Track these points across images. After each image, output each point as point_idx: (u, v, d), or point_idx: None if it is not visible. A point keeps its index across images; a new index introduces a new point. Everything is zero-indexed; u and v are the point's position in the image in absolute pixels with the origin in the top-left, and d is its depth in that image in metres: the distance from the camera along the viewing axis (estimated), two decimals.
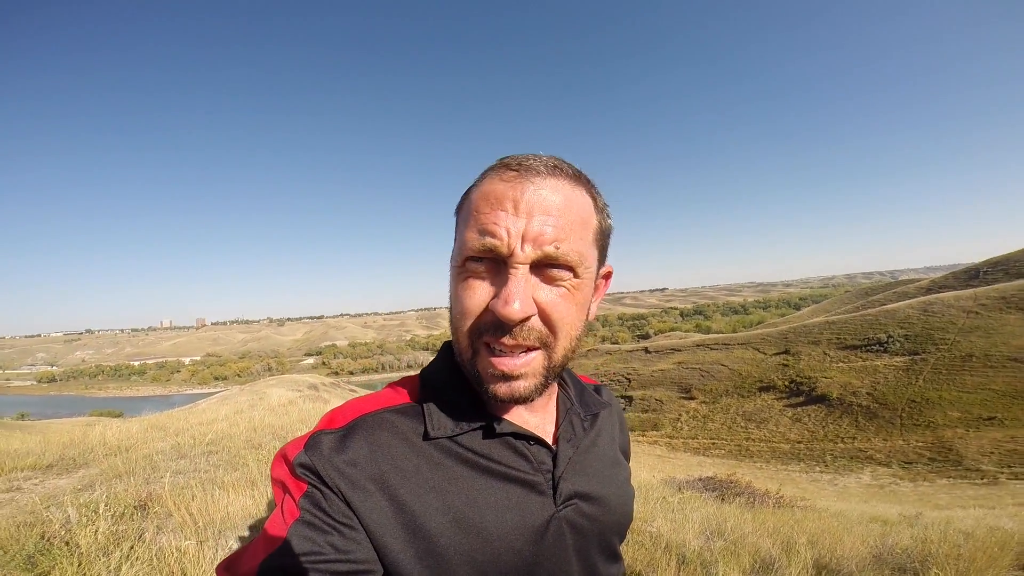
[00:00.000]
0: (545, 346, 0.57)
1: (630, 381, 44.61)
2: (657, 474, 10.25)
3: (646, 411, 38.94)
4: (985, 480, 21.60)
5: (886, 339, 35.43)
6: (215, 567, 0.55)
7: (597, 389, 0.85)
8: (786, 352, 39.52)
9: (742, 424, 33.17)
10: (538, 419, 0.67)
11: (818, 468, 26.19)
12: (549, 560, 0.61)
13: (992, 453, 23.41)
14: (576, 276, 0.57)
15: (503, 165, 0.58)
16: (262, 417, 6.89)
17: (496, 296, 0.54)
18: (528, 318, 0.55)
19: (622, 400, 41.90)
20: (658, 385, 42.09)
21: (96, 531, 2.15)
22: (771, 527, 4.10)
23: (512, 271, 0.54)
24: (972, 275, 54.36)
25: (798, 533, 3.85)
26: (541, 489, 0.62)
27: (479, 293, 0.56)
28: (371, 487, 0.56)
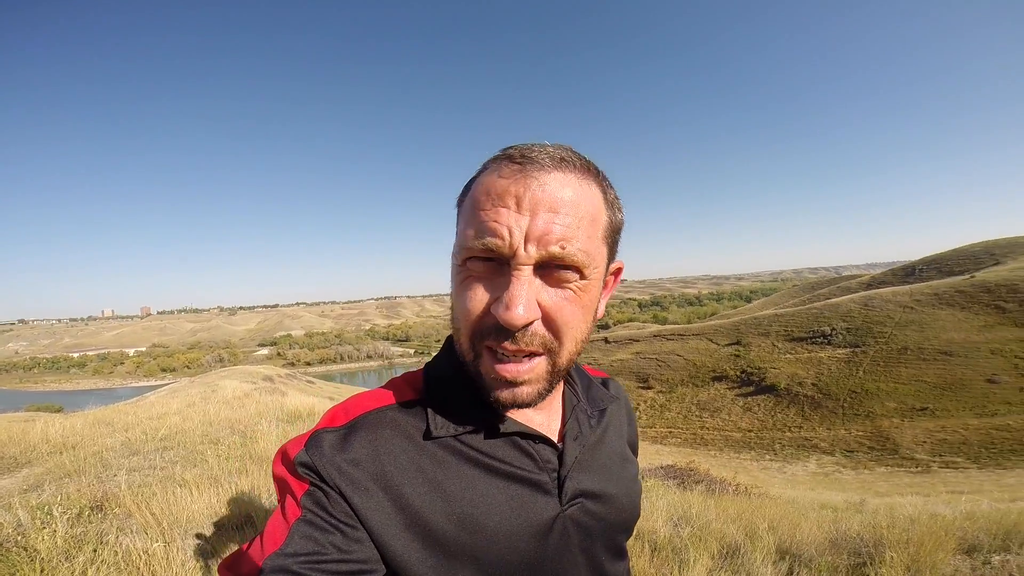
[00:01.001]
0: (549, 351, 0.55)
1: None
2: None
3: None
4: (919, 468, 23.07)
5: (830, 332, 37.11)
6: (218, 566, 0.54)
7: (604, 382, 0.83)
8: (738, 343, 40.77)
9: (697, 413, 34.14)
10: (543, 417, 0.66)
11: (768, 456, 27.23)
12: (554, 559, 0.60)
13: (925, 442, 25.00)
14: (583, 277, 0.54)
15: (506, 156, 0.54)
16: (217, 410, 6.66)
17: (497, 299, 0.52)
18: (531, 323, 0.52)
19: None
20: (617, 375, 42.59)
21: (54, 534, 2.03)
22: (733, 514, 4.26)
23: (515, 273, 0.51)
24: (909, 272, 57.72)
25: (759, 519, 4.00)
26: (546, 488, 0.61)
27: (480, 295, 0.54)
28: (373, 486, 0.55)
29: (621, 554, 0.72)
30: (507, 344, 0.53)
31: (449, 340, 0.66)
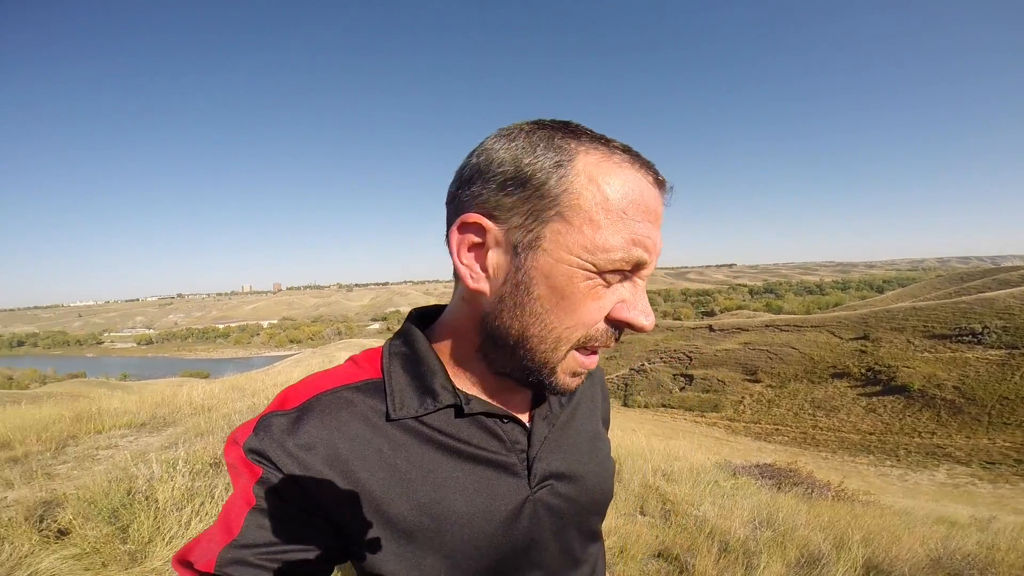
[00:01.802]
0: None
1: (691, 359, 43.47)
2: (713, 456, 10.04)
3: (706, 391, 37.90)
4: None
5: (981, 330, 32.35)
6: (171, 559, 0.53)
7: None
8: (865, 338, 37.07)
9: (810, 411, 31.65)
10: (516, 396, 0.63)
11: (889, 462, 24.81)
12: (524, 543, 0.59)
13: None
14: None
15: (641, 162, 0.52)
16: None
17: (627, 305, 0.52)
18: None
19: (681, 379, 41.22)
20: (721, 365, 40.74)
21: (173, 487, 2.41)
22: (825, 521, 3.98)
23: (642, 283, 0.53)
24: None
25: (854, 529, 3.71)
26: (515, 470, 0.59)
27: (607, 301, 0.52)
28: (328, 472, 0.52)
29: (594, 537, 0.70)
30: (612, 343, 0.54)
31: (413, 316, 0.64)
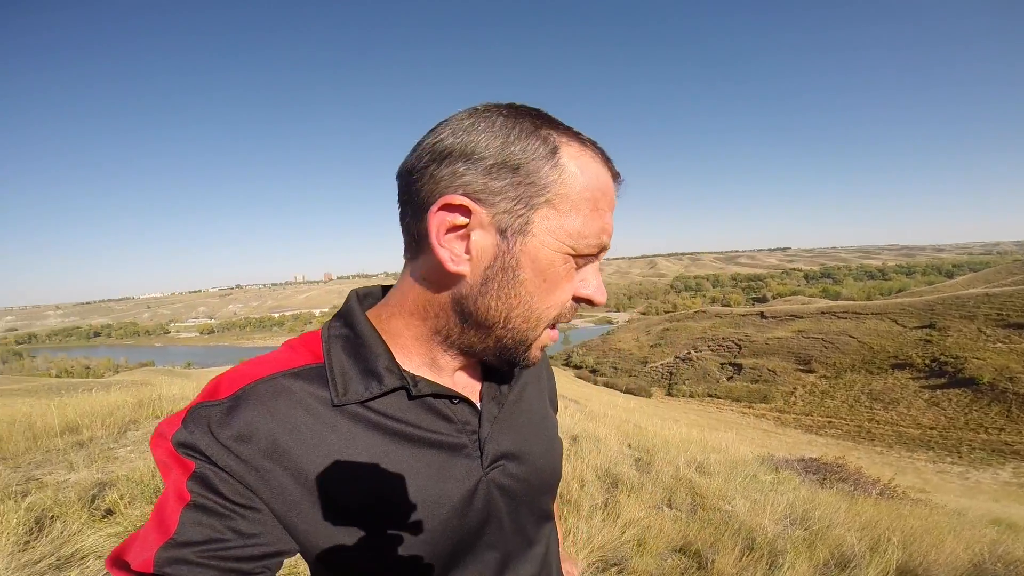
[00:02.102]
0: None
1: (740, 348, 42.33)
2: (757, 449, 9.76)
3: (756, 381, 36.86)
4: None
5: None
6: (104, 560, 0.54)
7: None
8: (930, 326, 35.26)
9: (866, 403, 30.39)
10: (465, 377, 0.63)
11: (949, 459, 23.57)
12: (479, 525, 0.58)
13: None
14: None
15: (605, 157, 0.56)
16: None
17: (586, 283, 0.57)
18: None
19: (730, 368, 40.16)
20: (772, 354, 39.52)
21: None
22: (865, 520, 3.83)
23: (597, 263, 0.58)
24: None
25: (893, 530, 3.56)
26: (467, 452, 0.58)
27: (575, 281, 0.56)
28: (268, 464, 0.50)
29: (547, 516, 0.70)
30: (571, 318, 0.58)
31: (354, 296, 0.62)
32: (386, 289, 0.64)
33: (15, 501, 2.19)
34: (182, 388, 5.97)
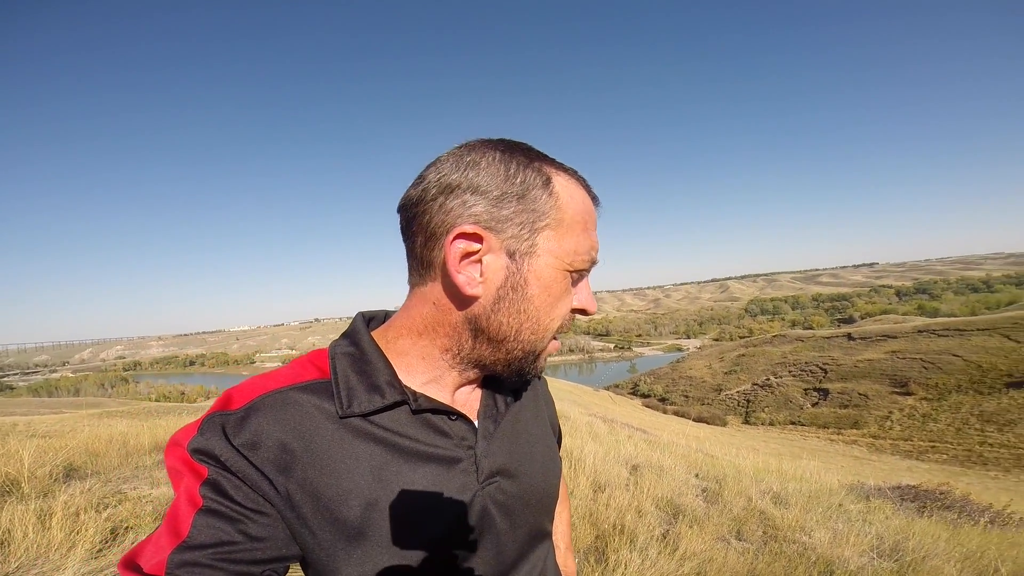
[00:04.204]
0: None
1: (826, 372, 39.56)
2: (847, 477, 8.99)
3: (844, 407, 34.19)
4: None
5: None
6: (117, 563, 0.54)
7: None
8: None
9: (977, 426, 27.34)
10: (464, 395, 0.66)
11: None
12: (474, 539, 0.60)
13: None
14: None
15: (586, 183, 0.64)
16: None
17: (580, 297, 0.64)
18: None
19: (815, 393, 37.53)
20: (863, 377, 36.63)
21: None
22: (969, 550, 3.41)
23: (588, 279, 0.65)
24: None
25: (1002, 560, 3.15)
26: (463, 467, 0.60)
27: (571, 297, 0.62)
28: (277, 471, 0.52)
29: (543, 535, 0.72)
30: (569, 329, 0.65)
31: (359, 319, 0.67)
32: (390, 313, 0.69)
33: (97, 512, 2.40)
34: None
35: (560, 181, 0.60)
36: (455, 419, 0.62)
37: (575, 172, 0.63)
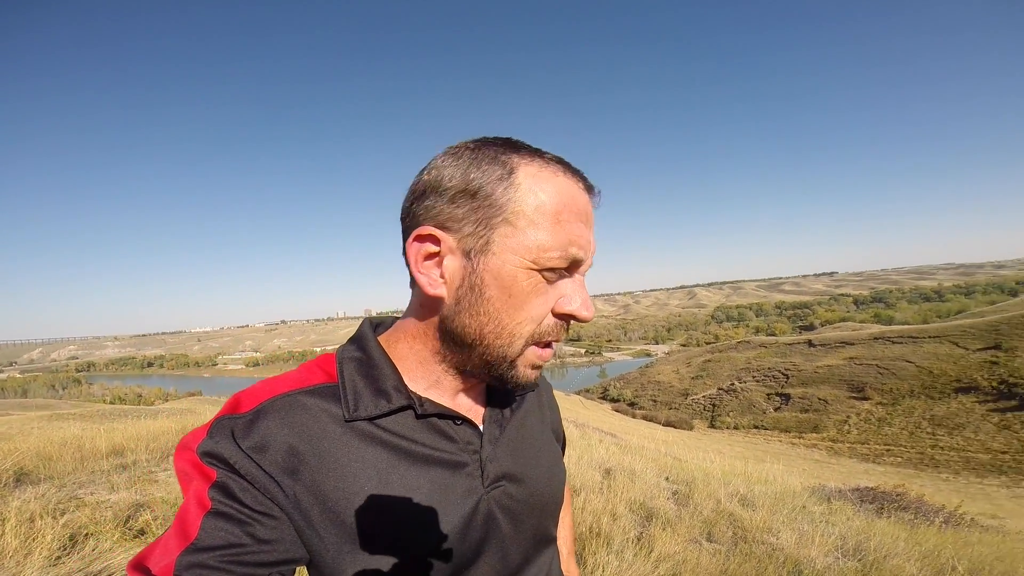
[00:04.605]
0: None
1: (788, 378, 40.71)
2: (809, 480, 9.26)
3: (805, 411, 35.27)
4: None
5: None
6: (126, 565, 0.55)
7: None
8: (996, 347, 33.23)
9: (928, 429, 28.65)
10: (468, 400, 0.66)
11: None
12: (479, 544, 0.60)
13: None
14: None
15: (572, 171, 0.58)
16: None
17: (568, 299, 0.57)
18: None
19: (778, 398, 38.58)
20: (823, 383, 37.84)
21: None
22: (927, 549, 3.55)
23: (581, 278, 0.59)
24: None
25: (959, 558, 3.29)
26: (468, 471, 0.60)
27: (550, 297, 0.57)
28: (285, 474, 0.53)
29: (548, 540, 0.71)
30: (562, 336, 0.59)
31: (367, 323, 0.67)
32: (395, 319, 0.68)
33: (53, 518, 2.28)
34: None
35: (529, 171, 0.55)
36: (460, 424, 0.62)
37: (557, 160, 0.58)
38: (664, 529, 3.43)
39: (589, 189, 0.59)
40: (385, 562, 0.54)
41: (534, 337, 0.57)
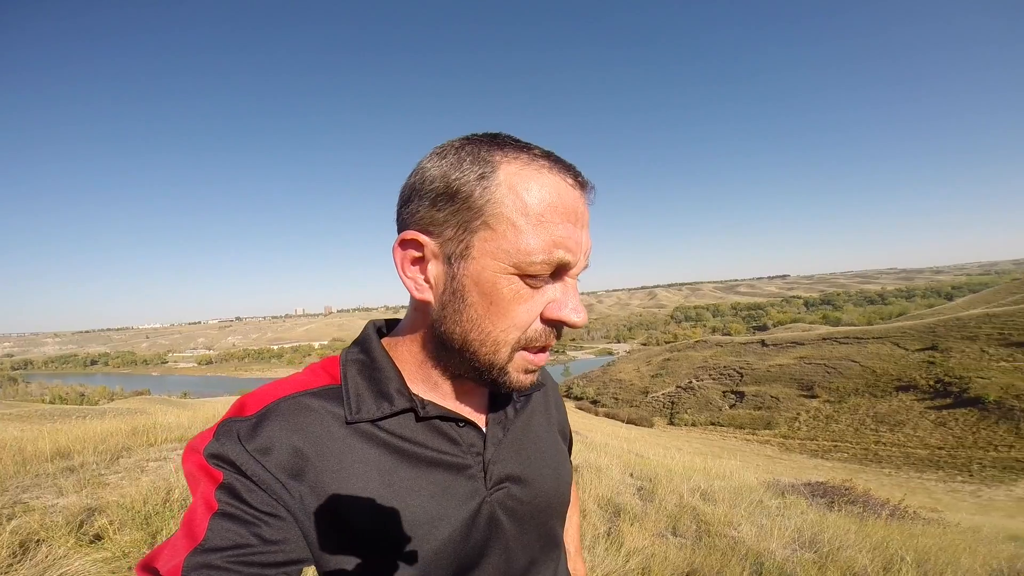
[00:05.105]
0: None
1: (742, 376, 42.14)
2: (763, 475, 9.62)
3: (758, 408, 36.62)
4: None
5: None
6: (134, 567, 0.54)
7: None
8: (933, 348, 35.30)
9: (872, 426, 30.23)
10: (472, 402, 0.65)
11: (960, 478, 23.44)
12: (483, 546, 0.60)
13: None
14: None
15: (560, 166, 0.55)
16: None
17: (558, 304, 0.55)
18: None
19: (732, 396, 39.86)
20: (775, 381, 39.34)
21: None
22: (876, 540, 3.74)
23: (573, 282, 0.56)
24: None
25: (906, 549, 3.48)
26: (471, 473, 0.60)
27: (538, 302, 0.54)
28: (290, 475, 0.53)
29: (554, 542, 0.70)
30: (552, 341, 0.57)
31: (370, 326, 0.67)
32: (398, 321, 0.68)
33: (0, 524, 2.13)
34: (178, 417, 5.87)
35: (510, 169, 0.53)
36: (463, 426, 0.61)
37: (544, 155, 0.55)
38: (632, 524, 3.49)
39: (581, 185, 0.56)
40: (387, 564, 0.54)
41: (521, 344, 0.55)
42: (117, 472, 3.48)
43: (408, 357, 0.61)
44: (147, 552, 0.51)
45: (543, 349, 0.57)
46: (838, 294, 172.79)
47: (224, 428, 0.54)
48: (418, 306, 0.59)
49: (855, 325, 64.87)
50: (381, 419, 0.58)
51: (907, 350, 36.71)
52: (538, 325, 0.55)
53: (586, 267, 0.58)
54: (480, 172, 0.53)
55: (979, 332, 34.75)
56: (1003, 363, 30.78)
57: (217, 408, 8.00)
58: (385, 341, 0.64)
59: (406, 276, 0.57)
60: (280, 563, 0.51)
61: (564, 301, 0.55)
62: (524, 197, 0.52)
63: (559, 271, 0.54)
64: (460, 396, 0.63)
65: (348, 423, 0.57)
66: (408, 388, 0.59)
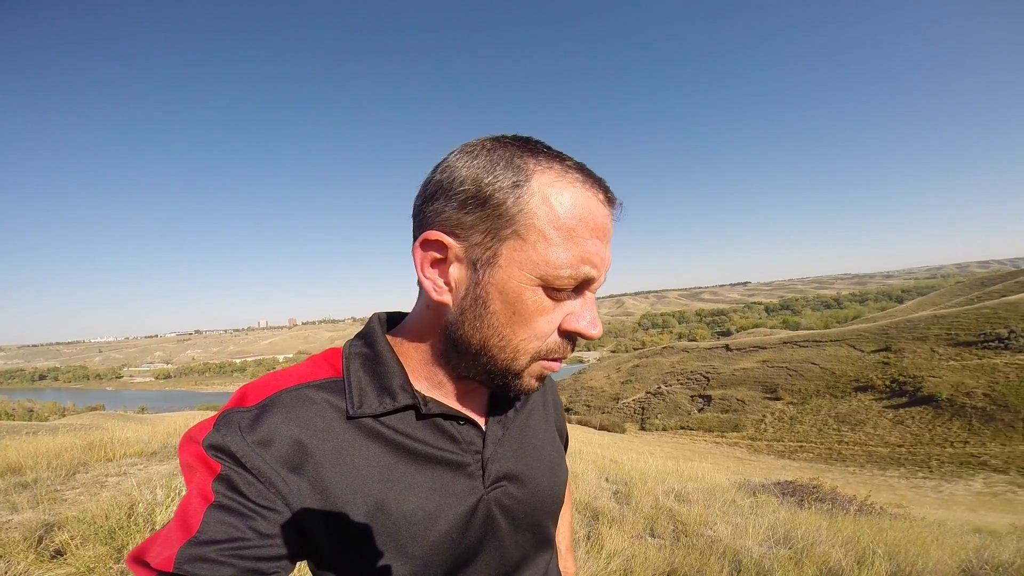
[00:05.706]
0: None
1: (708, 380, 42.86)
2: (733, 476, 9.82)
3: (726, 411, 37.26)
4: None
5: (1007, 334, 31.60)
6: (126, 558, 0.51)
7: None
8: (887, 349, 36.42)
9: (834, 426, 30.97)
10: (473, 400, 0.65)
11: (921, 474, 24.20)
12: (478, 543, 0.60)
13: None
14: None
15: (592, 181, 0.55)
16: None
17: (576, 317, 0.55)
18: None
19: (700, 400, 40.56)
20: (740, 384, 40.11)
21: (172, 510, 2.42)
22: (847, 536, 3.85)
23: (591, 295, 0.56)
24: None
25: (877, 543, 3.59)
26: (469, 470, 0.60)
27: (558, 314, 0.54)
28: (289, 468, 0.52)
29: (548, 541, 0.71)
30: (568, 352, 0.57)
31: (374, 320, 0.65)
32: (405, 314, 0.67)
33: None
34: (137, 432, 5.62)
35: (544, 180, 0.52)
36: (464, 424, 0.61)
37: (577, 167, 0.54)
38: (611, 527, 3.51)
39: (610, 201, 0.56)
40: (384, 559, 0.54)
41: (540, 354, 0.55)
42: (74, 488, 3.31)
43: (414, 354, 0.61)
44: (137, 545, 0.52)
45: (559, 359, 0.57)
46: (796, 299, 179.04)
47: (225, 418, 0.53)
48: (433, 306, 0.57)
49: (813, 329, 67.06)
50: (383, 415, 0.57)
51: (863, 351, 37.79)
52: (556, 337, 0.55)
53: (603, 283, 0.57)
54: (514, 180, 0.51)
55: (928, 333, 36.13)
56: (952, 362, 32.01)
57: (177, 423, 7.67)
58: (390, 335, 0.63)
59: (425, 276, 0.55)
60: (275, 557, 0.50)
61: (582, 314, 0.55)
62: (557, 210, 0.51)
63: (581, 286, 0.54)
64: (463, 395, 0.63)
65: (350, 417, 0.56)
66: (411, 384, 0.59)
